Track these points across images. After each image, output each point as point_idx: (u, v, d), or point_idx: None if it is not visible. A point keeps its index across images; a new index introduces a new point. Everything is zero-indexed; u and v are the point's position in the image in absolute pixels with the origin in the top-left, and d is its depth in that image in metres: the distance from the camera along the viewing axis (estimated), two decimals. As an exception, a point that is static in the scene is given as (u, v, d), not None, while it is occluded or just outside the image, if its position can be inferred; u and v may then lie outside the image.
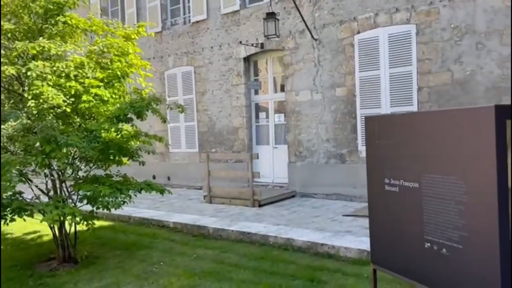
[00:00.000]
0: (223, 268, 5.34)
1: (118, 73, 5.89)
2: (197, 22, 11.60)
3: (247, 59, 10.86)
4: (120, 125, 5.61)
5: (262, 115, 10.96)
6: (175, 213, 8.43)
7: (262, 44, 10.25)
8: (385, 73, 8.49)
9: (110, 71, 5.89)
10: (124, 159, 6.14)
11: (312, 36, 9.38)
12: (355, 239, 5.92)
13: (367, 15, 8.71)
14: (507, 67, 7.29)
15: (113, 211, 5.71)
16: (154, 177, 12.61)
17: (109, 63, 5.99)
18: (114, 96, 5.83)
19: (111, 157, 5.76)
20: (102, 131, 5.36)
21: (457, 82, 7.80)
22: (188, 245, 6.57)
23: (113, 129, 5.41)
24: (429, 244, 2.63)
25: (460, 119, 2.40)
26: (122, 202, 5.58)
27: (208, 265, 5.53)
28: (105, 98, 5.53)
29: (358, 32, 8.84)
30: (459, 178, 2.40)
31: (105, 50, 5.95)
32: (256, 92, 11.02)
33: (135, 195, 5.87)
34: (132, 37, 6.32)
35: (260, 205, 8.86)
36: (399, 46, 8.33)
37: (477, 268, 2.32)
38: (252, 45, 10.32)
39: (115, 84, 5.89)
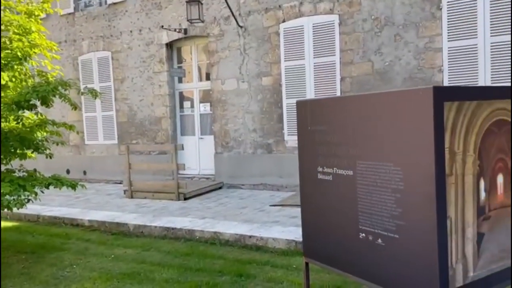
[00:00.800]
0: (144, 268, 4.93)
1: (19, 53, 5.15)
2: (114, 3, 10.77)
3: (170, 45, 10.31)
4: (20, 113, 4.90)
5: (187, 104, 10.51)
6: (92, 210, 7.75)
7: (185, 30, 9.77)
8: (309, 63, 8.49)
9: (8, 51, 5.13)
10: (28, 152, 5.43)
11: (238, 23, 9.11)
12: (283, 230, 5.82)
13: (292, 3, 8.63)
14: (423, 58, 7.63)
15: (17, 210, 5.01)
16: (68, 171, 11.61)
17: (7, 42, 5.22)
18: (14, 80, 5.09)
19: (12, 150, 5.04)
20: (-1, 119, 4.65)
21: (377, 72, 8.02)
22: (106, 245, 6.02)
23: (12, 117, 4.71)
24: (364, 235, 2.51)
25: (397, 102, 2.27)
26: (26, 200, 4.92)
27: (127, 265, 5.08)
28: (3, 82, 4.79)
29: (284, 21, 8.74)
30: (396, 164, 2.28)
31: (3, 27, 5.17)
32: (180, 81, 10.53)
33: (42, 192, 5.21)
34: (36, 13, 5.57)
35: (185, 198, 8.48)
36: (323, 36, 8.37)
37: (414, 258, 2.22)
38: (175, 30, 9.81)
39: (15, 67, 5.15)
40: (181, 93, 10.56)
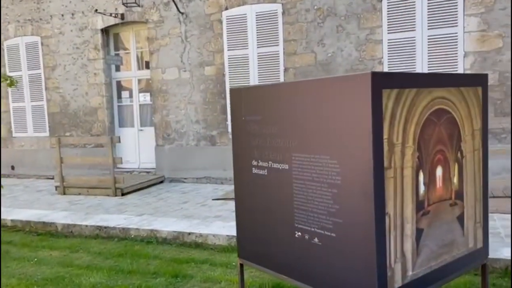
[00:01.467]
0: (70, 272, 4.50)
1: None
2: (44, -16, 9.92)
3: (105, 31, 9.66)
4: None
5: (125, 94, 9.93)
6: (17, 209, 7.09)
7: (122, 15, 9.18)
8: (253, 53, 8.27)
9: None
10: None
11: (178, 9, 8.68)
12: (224, 225, 5.58)
13: (235, -10, 8.33)
14: (364, 50, 7.64)
15: None
16: (-7, 166, 10.63)
17: None
18: None
19: None
20: None
21: (320, 64, 7.95)
22: (29, 247, 5.48)
23: None
24: (300, 234, 2.32)
25: (333, 89, 2.08)
26: None
27: (52, 270, 4.62)
28: None
29: (226, 8, 8.43)
30: (332, 157, 2.10)
31: None
32: (118, 69, 9.92)
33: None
34: None
35: (123, 194, 8.00)
36: (267, 25, 8.16)
37: (351, 258, 2.05)
38: (111, 15, 9.19)
39: None
40: (118, 82, 9.96)
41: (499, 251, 4.53)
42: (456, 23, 7.32)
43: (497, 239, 5.27)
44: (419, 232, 2.17)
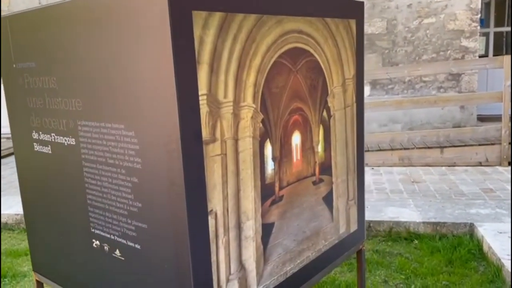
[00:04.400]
0: None
1: None
2: None
3: None
4: None
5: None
6: None
7: None
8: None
9: None
10: None
11: None
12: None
13: None
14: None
15: None
16: None
17: None
18: None
19: None
20: None
21: None
22: None
23: None
24: (98, 243, 1.53)
25: (119, 14, 1.24)
26: None
27: None
28: None
29: None
30: (128, 126, 1.30)
31: None
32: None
33: None
34: None
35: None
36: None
37: (162, 282, 1.32)
38: None
39: None
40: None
41: (383, 211, 4.25)
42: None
43: (383, 196, 5.06)
44: (267, 229, 1.51)
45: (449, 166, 6.18)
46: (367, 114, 7.44)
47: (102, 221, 1.49)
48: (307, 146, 1.67)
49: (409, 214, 4.14)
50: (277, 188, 1.53)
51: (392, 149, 6.67)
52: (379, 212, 4.23)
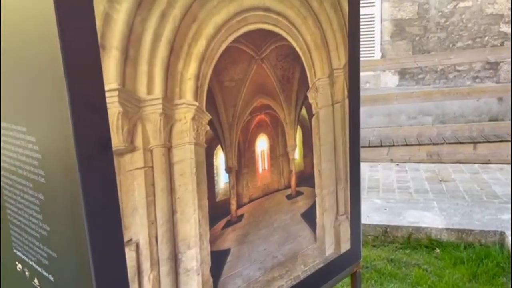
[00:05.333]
0: None
1: None
2: None
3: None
4: None
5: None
6: None
7: None
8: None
9: None
10: None
11: None
12: None
13: None
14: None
15: None
16: None
17: None
18: None
19: None
20: None
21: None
22: None
23: None
24: (20, 266, 1.27)
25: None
26: None
27: None
28: None
29: None
30: (29, 130, 1.03)
31: None
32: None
33: None
34: None
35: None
36: None
37: (74, 327, 1.06)
38: None
39: None
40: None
41: (402, 214, 3.86)
42: None
43: (405, 196, 4.65)
44: (219, 257, 1.20)
45: (482, 163, 5.65)
46: (394, 106, 6.97)
47: (21, 242, 1.23)
48: (279, 153, 1.35)
49: (431, 218, 3.73)
50: (233, 206, 1.23)
51: (419, 144, 6.20)
52: (398, 215, 3.84)
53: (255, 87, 1.24)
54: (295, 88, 1.37)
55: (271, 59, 1.27)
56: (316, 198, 1.51)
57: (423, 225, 3.60)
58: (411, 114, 7.46)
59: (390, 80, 7.62)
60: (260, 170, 1.29)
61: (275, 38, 1.27)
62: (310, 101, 1.44)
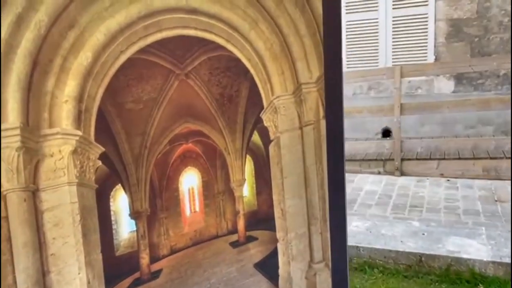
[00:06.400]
0: None
1: None
2: None
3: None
4: None
5: None
6: None
7: None
8: None
9: None
10: None
11: None
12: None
13: None
14: None
15: None
16: None
17: None
18: None
19: None
20: None
21: None
22: None
23: None
24: None
25: None
26: None
27: None
28: None
29: None
30: None
31: None
32: None
33: None
34: None
35: None
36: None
37: None
38: None
39: None
40: None
41: (442, 241, 3.37)
42: None
43: (452, 218, 4.12)
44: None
45: (549, 182, 4.92)
46: (450, 114, 6.34)
47: None
48: (218, 190, 1.07)
49: (476, 248, 3.23)
50: (144, 261, 0.97)
51: (475, 158, 5.55)
52: (437, 242, 3.37)
53: (177, 109, 0.98)
54: (241, 109, 1.09)
55: (201, 74, 1.00)
56: (278, 244, 1.21)
57: (465, 256, 3.11)
58: (468, 123, 6.75)
59: (444, 85, 6.96)
60: (187, 212, 1.02)
61: (206, 47, 1.00)
62: (266, 124, 1.15)
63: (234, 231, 1.11)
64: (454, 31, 6.78)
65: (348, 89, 7.42)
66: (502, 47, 6.52)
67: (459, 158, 5.65)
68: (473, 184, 5.22)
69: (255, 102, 1.11)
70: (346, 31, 7.16)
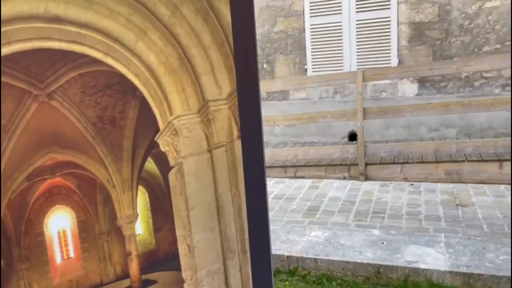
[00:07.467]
0: None
1: None
2: None
3: None
4: None
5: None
6: None
7: None
8: None
9: None
10: None
11: None
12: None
13: None
14: None
15: None
16: None
17: None
18: None
19: None
20: None
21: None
22: None
23: None
24: None
25: None
26: None
27: None
28: None
29: None
30: None
31: None
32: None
33: None
34: None
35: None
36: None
37: None
38: None
39: None
40: None
41: (401, 251, 3.29)
42: None
43: (413, 224, 4.07)
44: None
45: (509, 184, 4.97)
46: (412, 118, 6.33)
47: None
48: (100, 230, 0.91)
49: (434, 257, 3.16)
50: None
51: (437, 161, 5.55)
52: (395, 252, 3.28)
53: (37, 137, 0.81)
54: (128, 133, 0.93)
55: (70, 94, 0.84)
56: (185, 285, 1.05)
57: (423, 266, 3.04)
58: (432, 125, 6.78)
59: (408, 88, 6.98)
60: (57, 260, 0.85)
61: (76, 62, 0.84)
62: (164, 149, 0.99)
63: (125, 276, 0.94)
64: (417, 34, 6.81)
65: (314, 93, 7.36)
66: (464, 50, 6.58)
67: (422, 162, 5.64)
68: (436, 188, 5.22)
69: (147, 123, 0.95)
70: (311, 35, 7.09)
